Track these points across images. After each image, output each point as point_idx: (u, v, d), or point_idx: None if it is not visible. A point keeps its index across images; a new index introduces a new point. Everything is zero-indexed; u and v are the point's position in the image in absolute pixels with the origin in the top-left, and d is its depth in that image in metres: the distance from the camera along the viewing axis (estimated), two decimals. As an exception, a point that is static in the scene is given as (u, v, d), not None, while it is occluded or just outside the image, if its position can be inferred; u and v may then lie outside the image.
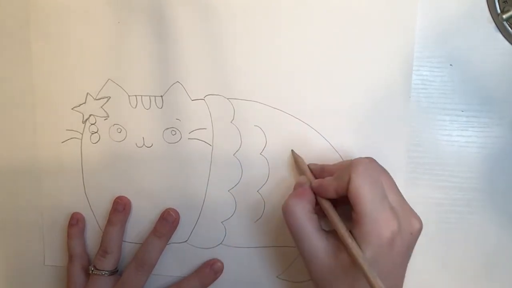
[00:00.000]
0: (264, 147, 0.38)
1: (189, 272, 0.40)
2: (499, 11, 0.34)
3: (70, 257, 0.41)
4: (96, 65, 0.39)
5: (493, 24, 0.35)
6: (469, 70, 0.36)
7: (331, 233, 0.31)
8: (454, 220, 0.37)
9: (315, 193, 0.33)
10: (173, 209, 0.40)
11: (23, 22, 0.39)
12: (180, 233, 0.40)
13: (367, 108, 0.36)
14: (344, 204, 0.31)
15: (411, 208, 0.31)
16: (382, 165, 0.32)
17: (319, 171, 0.35)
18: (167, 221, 0.39)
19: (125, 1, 0.38)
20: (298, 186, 0.34)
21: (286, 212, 0.32)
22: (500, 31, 0.35)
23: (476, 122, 0.36)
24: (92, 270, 0.39)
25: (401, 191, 0.36)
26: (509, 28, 0.34)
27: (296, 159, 0.37)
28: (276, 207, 0.38)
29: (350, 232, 0.30)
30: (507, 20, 0.33)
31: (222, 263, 0.40)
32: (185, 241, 0.40)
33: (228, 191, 0.39)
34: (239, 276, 0.40)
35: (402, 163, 0.37)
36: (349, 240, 0.29)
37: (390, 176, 0.31)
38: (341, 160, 0.37)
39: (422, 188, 0.37)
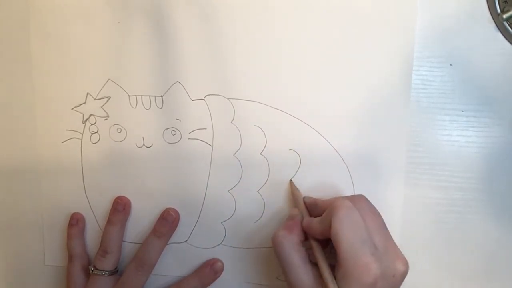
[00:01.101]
0: (264, 147, 0.38)
1: (189, 272, 0.40)
2: (499, 11, 0.34)
3: (70, 257, 0.41)
4: (96, 65, 0.39)
5: (493, 24, 0.35)
6: (469, 70, 0.36)
7: (318, 267, 0.32)
8: (454, 220, 0.37)
9: (304, 231, 0.33)
10: (173, 209, 0.40)
11: (23, 22, 0.39)
12: (180, 233, 0.40)
13: (367, 108, 0.36)
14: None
15: (397, 250, 0.31)
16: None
17: (312, 206, 0.35)
18: (167, 221, 0.39)
19: (125, 1, 0.38)
20: (289, 218, 0.34)
21: (275, 243, 0.32)
22: (500, 31, 0.35)
23: (476, 122, 0.36)
24: (92, 270, 0.39)
25: (401, 191, 0.36)
26: (509, 28, 0.34)
27: (293, 191, 0.37)
28: (276, 208, 0.38)
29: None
30: (507, 20, 0.33)
31: (222, 263, 0.40)
32: (185, 241, 0.40)
33: (228, 191, 0.39)
34: (239, 276, 0.40)
35: (402, 163, 0.37)
36: (331, 285, 0.29)
37: (378, 216, 0.31)
38: (341, 160, 0.37)
39: (422, 188, 0.37)
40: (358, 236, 0.29)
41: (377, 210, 0.32)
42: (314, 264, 0.32)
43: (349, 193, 0.37)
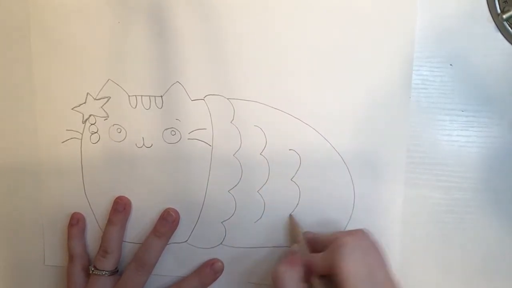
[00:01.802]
0: (264, 147, 0.38)
1: (189, 272, 0.40)
2: (499, 11, 0.34)
3: (70, 257, 0.41)
4: (96, 65, 0.39)
5: (493, 24, 0.35)
6: (469, 70, 0.36)
7: None
8: (454, 220, 0.37)
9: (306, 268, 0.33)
10: (173, 209, 0.40)
11: (23, 22, 0.39)
12: (180, 233, 0.40)
13: (367, 108, 0.36)
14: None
15: (396, 284, 0.30)
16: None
17: (313, 242, 0.35)
18: (167, 221, 0.39)
19: (125, 1, 0.38)
20: (290, 253, 0.34)
21: (275, 278, 0.32)
22: (500, 31, 0.35)
23: (476, 122, 0.36)
24: (92, 270, 0.39)
25: (401, 191, 0.36)
26: (509, 28, 0.34)
27: (292, 226, 0.37)
28: (276, 208, 0.38)
29: None
30: (507, 20, 0.33)
31: (222, 263, 0.40)
32: (185, 241, 0.40)
33: (228, 191, 0.39)
34: (239, 276, 0.40)
35: (402, 163, 0.37)
36: None
37: (381, 252, 0.31)
38: (341, 160, 0.37)
39: (422, 188, 0.37)
40: (363, 275, 0.29)
41: (378, 245, 0.32)
42: None
43: (349, 193, 0.37)
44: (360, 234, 0.32)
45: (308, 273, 0.32)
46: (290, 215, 0.38)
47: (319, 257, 0.32)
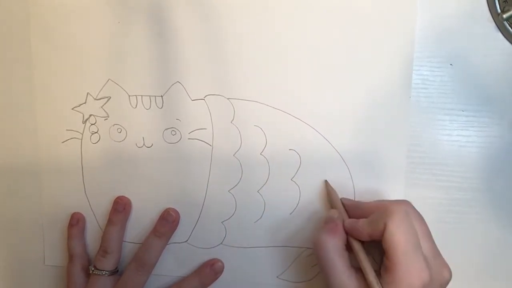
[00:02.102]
0: (264, 147, 0.38)
1: (189, 272, 0.40)
2: (499, 11, 0.34)
3: (70, 257, 0.41)
4: (96, 65, 0.39)
5: (493, 24, 0.35)
6: (469, 70, 0.36)
7: (361, 271, 0.31)
8: (454, 220, 0.37)
9: (346, 233, 0.33)
10: (173, 209, 0.40)
11: (23, 22, 0.39)
12: (180, 233, 0.40)
13: (367, 108, 0.36)
14: (375, 242, 0.31)
15: (443, 258, 0.31)
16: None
17: (352, 208, 0.35)
18: (167, 221, 0.39)
19: (125, 1, 0.38)
20: (329, 220, 0.33)
21: (317, 247, 0.32)
22: (500, 31, 0.35)
23: (476, 122, 0.36)
24: (92, 270, 0.39)
25: (401, 191, 0.36)
26: (509, 28, 0.34)
27: (329, 192, 0.37)
28: (276, 208, 0.38)
29: (380, 274, 0.30)
30: (507, 20, 0.33)
31: (222, 263, 0.40)
32: (185, 241, 0.40)
33: (228, 191, 0.39)
34: (239, 276, 0.40)
35: (402, 163, 0.37)
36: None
37: (425, 223, 0.31)
38: (341, 159, 0.37)
39: (422, 188, 0.37)
40: (413, 242, 0.29)
41: (422, 217, 0.31)
42: (357, 269, 0.31)
43: (349, 193, 0.37)
44: (407, 203, 0.31)
45: (348, 239, 0.32)
46: (326, 181, 0.37)
47: (365, 222, 0.31)
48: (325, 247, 0.31)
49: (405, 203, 0.31)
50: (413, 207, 0.32)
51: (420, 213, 0.31)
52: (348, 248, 0.32)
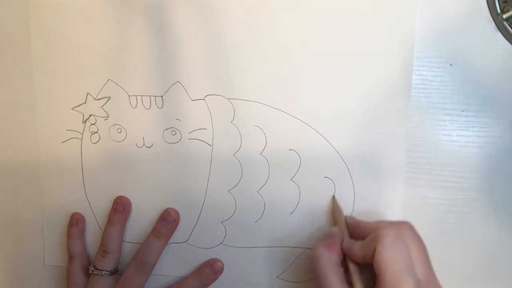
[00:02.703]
0: (264, 147, 0.38)
1: (189, 272, 0.40)
2: (499, 11, 0.34)
3: (70, 257, 0.41)
4: (96, 65, 0.39)
5: (493, 24, 0.35)
6: (469, 70, 0.36)
7: None
8: (454, 220, 0.37)
9: (343, 253, 0.33)
10: (173, 209, 0.40)
11: (23, 22, 0.39)
12: (180, 233, 0.40)
13: (367, 108, 0.36)
14: (370, 264, 0.31)
15: (438, 284, 0.30)
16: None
17: (354, 227, 0.35)
18: (167, 221, 0.39)
19: (125, 1, 0.38)
20: (329, 235, 0.34)
21: (314, 259, 0.32)
22: (500, 31, 0.35)
23: (476, 122, 0.36)
24: (92, 270, 0.39)
25: (401, 191, 0.36)
26: (509, 28, 0.34)
27: (335, 209, 0.37)
28: (276, 208, 0.38)
29: None
30: (507, 20, 0.33)
31: (222, 263, 0.40)
32: (185, 241, 0.40)
33: (228, 191, 0.39)
34: (239, 276, 0.40)
35: (402, 163, 0.37)
36: None
37: (422, 246, 0.31)
38: (341, 160, 0.37)
39: (422, 188, 0.37)
40: (402, 267, 0.28)
41: (422, 239, 0.31)
42: (350, 285, 0.31)
43: (349, 193, 0.37)
44: (403, 226, 0.31)
45: (345, 258, 0.32)
46: (333, 196, 0.38)
47: (359, 244, 0.32)
48: (320, 261, 0.32)
49: (401, 225, 0.31)
50: (412, 229, 0.31)
51: (419, 235, 0.31)
52: (346, 264, 0.33)
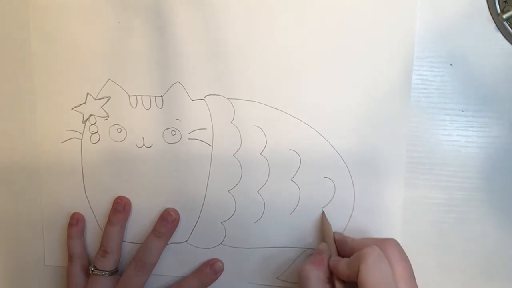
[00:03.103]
0: (264, 147, 0.38)
1: (189, 272, 0.40)
2: (499, 11, 0.34)
3: (70, 257, 0.41)
4: (96, 65, 0.39)
5: (493, 24, 0.35)
6: (469, 70, 0.36)
7: None
8: (454, 220, 0.37)
9: (330, 270, 0.33)
10: (173, 209, 0.40)
11: (23, 22, 0.39)
12: (180, 233, 0.40)
13: (367, 108, 0.36)
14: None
15: None
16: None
17: (342, 244, 0.35)
18: (167, 221, 0.39)
19: (125, 1, 0.38)
20: (317, 252, 0.34)
21: (301, 277, 0.32)
22: (500, 31, 0.35)
23: (476, 122, 0.36)
24: (92, 270, 0.39)
25: (401, 191, 0.36)
26: (509, 28, 0.34)
27: (324, 224, 0.37)
28: (276, 208, 0.38)
29: None
30: (507, 20, 0.33)
31: (222, 263, 0.40)
32: (185, 241, 0.40)
33: (228, 191, 0.39)
34: (239, 276, 0.40)
35: (402, 163, 0.37)
36: None
37: (406, 263, 0.31)
38: (341, 160, 0.37)
39: (422, 188, 0.37)
40: (384, 286, 0.28)
41: (407, 256, 0.31)
42: None
43: (349, 193, 0.37)
44: (389, 242, 0.31)
45: (333, 275, 0.33)
46: (323, 213, 0.38)
47: (344, 263, 0.32)
48: (307, 277, 0.32)
49: (386, 243, 0.31)
50: (397, 246, 0.31)
51: (405, 252, 0.31)
52: (333, 281, 0.33)
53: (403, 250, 0.31)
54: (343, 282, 0.32)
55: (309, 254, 0.38)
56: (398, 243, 0.32)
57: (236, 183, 0.39)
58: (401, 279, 0.30)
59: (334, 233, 0.36)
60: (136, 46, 0.38)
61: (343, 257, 0.33)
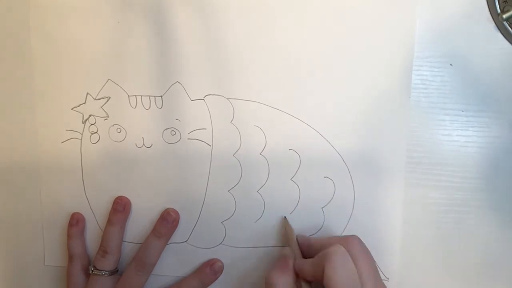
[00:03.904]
0: (264, 147, 0.38)
1: (189, 272, 0.40)
2: (499, 11, 0.34)
3: (70, 257, 0.41)
4: (96, 65, 0.39)
5: (493, 24, 0.35)
6: (469, 70, 0.36)
7: None
8: (454, 220, 0.37)
9: (296, 272, 0.33)
10: (173, 209, 0.40)
11: (23, 22, 0.39)
12: (180, 233, 0.40)
13: (367, 108, 0.36)
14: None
15: None
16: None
17: (305, 245, 0.35)
18: (167, 221, 0.39)
19: (125, 1, 0.38)
20: (281, 257, 0.34)
21: (268, 284, 0.32)
22: (500, 31, 0.35)
23: (476, 122, 0.36)
24: (92, 270, 0.39)
25: (401, 191, 0.36)
26: (509, 28, 0.34)
27: (286, 229, 0.37)
28: (276, 208, 0.38)
29: None
30: (507, 20, 0.33)
31: (222, 263, 0.40)
32: (185, 241, 0.40)
33: (228, 191, 0.39)
34: (239, 276, 0.40)
35: (402, 163, 0.37)
36: None
37: (370, 259, 0.31)
38: (341, 160, 0.37)
39: (422, 188, 0.37)
40: (351, 284, 0.29)
41: (369, 252, 0.32)
42: None
43: (349, 193, 0.37)
44: (352, 239, 0.32)
45: (299, 277, 0.33)
46: (284, 217, 0.38)
47: (309, 263, 0.32)
48: (275, 284, 0.32)
49: (349, 241, 0.32)
50: (360, 242, 0.32)
51: (367, 248, 0.32)
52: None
53: (366, 247, 0.32)
54: (309, 283, 0.32)
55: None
56: (360, 240, 0.32)
57: (236, 183, 0.39)
58: (365, 275, 0.30)
59: (297, 236, 0.36)
60: (136, 46, 0.38)
61: (308, 258, 0.33)
